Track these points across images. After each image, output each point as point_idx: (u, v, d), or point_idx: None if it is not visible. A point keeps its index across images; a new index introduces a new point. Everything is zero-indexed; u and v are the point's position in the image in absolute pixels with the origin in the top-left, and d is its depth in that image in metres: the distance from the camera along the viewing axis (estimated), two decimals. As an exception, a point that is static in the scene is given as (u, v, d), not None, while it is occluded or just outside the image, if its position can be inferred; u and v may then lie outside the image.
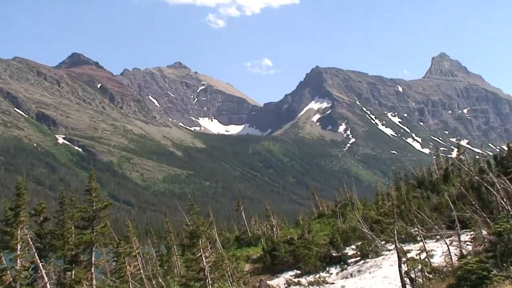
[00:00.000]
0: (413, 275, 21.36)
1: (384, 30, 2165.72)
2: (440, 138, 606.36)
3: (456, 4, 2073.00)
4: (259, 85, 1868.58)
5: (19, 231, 19.99)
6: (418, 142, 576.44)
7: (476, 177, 35.45)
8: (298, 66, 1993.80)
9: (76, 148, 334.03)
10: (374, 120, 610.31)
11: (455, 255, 22.39)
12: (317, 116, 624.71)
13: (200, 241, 21.78)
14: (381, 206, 52.01)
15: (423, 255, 24.61)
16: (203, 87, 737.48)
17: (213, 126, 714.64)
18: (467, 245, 23.74)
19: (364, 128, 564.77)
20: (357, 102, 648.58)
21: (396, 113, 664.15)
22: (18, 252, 19.82)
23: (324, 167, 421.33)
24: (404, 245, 34.31)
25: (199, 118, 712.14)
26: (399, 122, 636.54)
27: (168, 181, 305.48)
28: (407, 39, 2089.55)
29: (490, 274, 13.61)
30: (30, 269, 20.30)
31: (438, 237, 33.11)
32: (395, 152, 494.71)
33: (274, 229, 61.65)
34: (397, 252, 21.67)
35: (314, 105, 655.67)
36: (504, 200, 18.44)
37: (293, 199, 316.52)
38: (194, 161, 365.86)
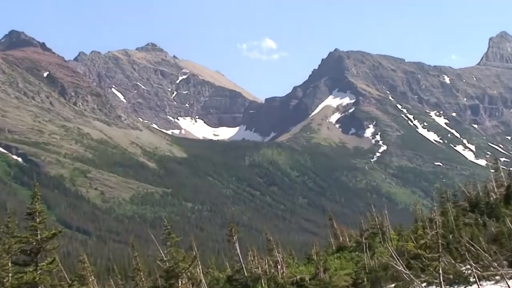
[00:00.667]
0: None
1: (425, 2, 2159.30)
2: (501, 146, 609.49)
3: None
4: (259, 75, 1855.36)
5: None
6: (471, 150, 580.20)
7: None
8: (311, 49, 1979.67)
9: (15, 157, 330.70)
10: (412, 122, 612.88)
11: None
12: (336, 115, 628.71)
13: (179, 282, 21.80)
14: (422, 236, 52.46)
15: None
16: (184, 76, 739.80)
17: (197, 129, 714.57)
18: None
19: (398, 132, 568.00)
20: (390, 97, 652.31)
21: (441, 112, 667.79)
22: None
23: (346, 184, 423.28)
24: (452, 288, 33.75)
25: (179, 118, 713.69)
26: (445, 124, 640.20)
27: (137, 202, 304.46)
28: (456, 13, 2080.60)
29: None
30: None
31: (497, 277, 32.83)
32: (440, 164, 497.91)
33: (279, 267, 61.23)
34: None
35: (332, 101, 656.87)
36: None
37: (304, 226, 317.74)
38: (172, 175, 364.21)
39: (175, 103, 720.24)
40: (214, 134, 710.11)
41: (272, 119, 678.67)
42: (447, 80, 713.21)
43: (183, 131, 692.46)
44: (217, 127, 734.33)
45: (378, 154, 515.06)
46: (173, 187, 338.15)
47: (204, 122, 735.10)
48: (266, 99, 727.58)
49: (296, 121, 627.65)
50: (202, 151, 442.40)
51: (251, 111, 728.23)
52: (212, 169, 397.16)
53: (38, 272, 20.55)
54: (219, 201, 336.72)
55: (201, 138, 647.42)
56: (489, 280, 34.08)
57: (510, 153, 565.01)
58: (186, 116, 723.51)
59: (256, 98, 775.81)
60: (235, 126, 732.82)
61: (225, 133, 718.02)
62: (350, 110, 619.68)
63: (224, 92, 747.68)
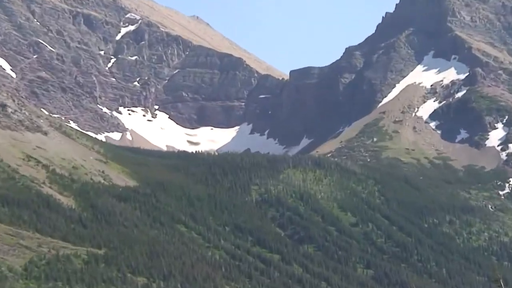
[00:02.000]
0: None
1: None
2: None
3: None
4: (276, 27, 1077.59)
5: None
6: None
7: None
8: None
9: None
10: None
11: None
12: (431, 105, 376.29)
13: None
14: None
15: None
16: (131, 27, 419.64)
17: (157, 131, 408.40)
18: None
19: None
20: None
21: None
22: None
23: (449, 239, 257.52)
24: None
25: (121, 109, 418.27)
26: None
27: (39, 276, 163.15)
28: None
29: None
30: None
31: None
32: None
33: None
34: None
35: (422, 77, 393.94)
36: None
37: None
38: (107, 222, 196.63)
39: (113, 80, 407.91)
40: (190, 141, 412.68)
41: (303, 112, 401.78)
42: None
43: (128, 135, 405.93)
44: (196, 127, 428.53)
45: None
46: (111, 245, 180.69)
47: (171, 118, 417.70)
48: (291, 72, 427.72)
49: (352, 115, 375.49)
50: (167, 174, 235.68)
51: (262, 96, 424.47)
52: (185, 210, 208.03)
53: None
54: (199, 274, 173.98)
55: (163, 148, 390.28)
56: None
57: None
58: (135, 106, 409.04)
59: (271, 69, 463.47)
60: (232, 126, 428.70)
61: (212, 139, 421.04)
62: (459, 95, 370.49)
63: (211, 58, 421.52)
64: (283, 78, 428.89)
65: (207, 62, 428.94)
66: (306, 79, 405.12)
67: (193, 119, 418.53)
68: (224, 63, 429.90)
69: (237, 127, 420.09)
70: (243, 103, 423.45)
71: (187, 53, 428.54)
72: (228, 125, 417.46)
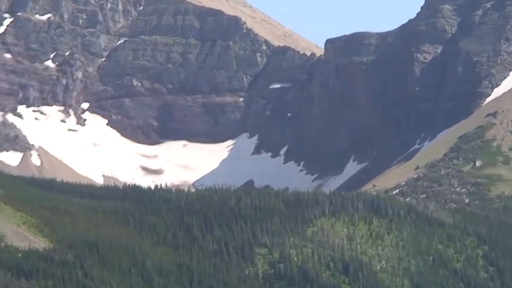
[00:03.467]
0: None
1: None
2: None
3: None
4: None
5: None
6: None
7: None
8: None
9: None
10: None
11: None
12: None
13: None
14: None
15: None
16: None
17: (84, 147, 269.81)
18: None
19: None
20: None
21: None
22: None
23: None
24: None
25: (19, 108, 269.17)
26: None
27: None
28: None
29: None
30: None
31: None
32: None
33: None
34: None
35: None
36: None
37: None
38: None
39: (7, 57, 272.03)
40: (145, 168, 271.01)
41: (349, 115, 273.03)
42: None
43: (35, 157, 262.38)
44: (158, 142, 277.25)
45: None
46: None
47: (111, 125, 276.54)
48: (328, 43, 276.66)
49: (436, 121, 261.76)
50: (104, 228, 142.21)
51: (275, 86, 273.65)
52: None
53: None
54: None
55: (98, 180, 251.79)
56: None
57: None
58: (47, 105, 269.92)
59: (291, 37, 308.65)
60: (221, 140, 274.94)
61: (186, 163, 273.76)
62: None
63: (184, 17, 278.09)
64: (312, 54, 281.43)
65: (176, 24, 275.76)
66: (354, 55, 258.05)
67: (151, 128, 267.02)
68: (207, 26, 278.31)
69: (230, 142, 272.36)
70: (241, 99, 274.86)
71: (141, 8, 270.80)
72: (213, 138, 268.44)
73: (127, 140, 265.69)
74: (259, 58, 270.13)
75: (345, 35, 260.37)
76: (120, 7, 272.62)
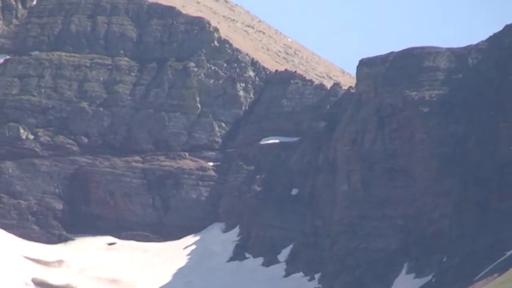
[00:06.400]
0: None
1: None
2: None
3: None
4: None
5: None
6: None
7: None
8: None
9: None
10: None
11: None
12: None
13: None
14: None
15: None
16: None
17: None
18: None
19: None
20: None
21: None
22: None
23: None
24: None
25: None
26: None
27: None
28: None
29: None
30: None
31: None
32: None
33: None
34: None
35: None
36: None
37: None
38: None
39: None
40: (37, 284, 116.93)
41: (403, 189, 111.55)
42: None
43: None
44: (65, 237, 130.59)
45: None
46: None
47: None
48: (362, 64, 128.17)
49: None
50: None
51: (272, 141, 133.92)
52: None
53: None
54: None
55: None
56: None
57: None
58: None
59: (301, 54, 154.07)
60: (179, 236, 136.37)
61: (114, 277, 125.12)
62: None
63: (114, 17, 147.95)
64: (335, 84, 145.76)
65: (96, 31, 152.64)
66: (409, 87, 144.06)
67: (52, 215, 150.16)
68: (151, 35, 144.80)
69: (190, 239, 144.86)
70: (210, 164, 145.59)
71: (34, 2, 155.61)
72: (161, 232, 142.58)
73: (13, 236, 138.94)
74: (241, 92, 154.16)
75: (392, 52, 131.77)
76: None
